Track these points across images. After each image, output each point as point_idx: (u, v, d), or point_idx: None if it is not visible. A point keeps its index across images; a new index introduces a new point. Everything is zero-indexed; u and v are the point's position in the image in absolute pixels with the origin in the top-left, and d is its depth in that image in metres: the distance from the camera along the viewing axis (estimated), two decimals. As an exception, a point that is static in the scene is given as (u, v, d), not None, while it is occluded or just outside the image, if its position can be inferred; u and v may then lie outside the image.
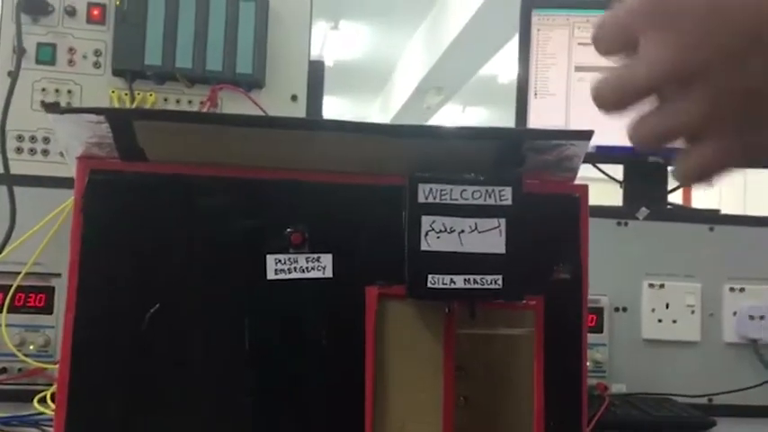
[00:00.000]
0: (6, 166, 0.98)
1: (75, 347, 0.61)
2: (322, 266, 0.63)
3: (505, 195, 0.61)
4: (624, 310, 1.15)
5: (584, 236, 0.65)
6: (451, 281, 0.60)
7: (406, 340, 0.64)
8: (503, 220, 0.61)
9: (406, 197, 0.61)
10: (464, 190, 0.61)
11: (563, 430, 0.64)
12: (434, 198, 0.61)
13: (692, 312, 1.15)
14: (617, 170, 1.31)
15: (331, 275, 0.63)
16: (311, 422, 0.62)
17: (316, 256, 0.63)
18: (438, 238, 0.60)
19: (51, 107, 0.57)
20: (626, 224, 1.16)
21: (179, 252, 0.62)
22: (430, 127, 0.61)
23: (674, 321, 1.15)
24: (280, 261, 0.62)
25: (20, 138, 1.07)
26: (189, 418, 0.61)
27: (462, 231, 0.60)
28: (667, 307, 1.15)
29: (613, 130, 1.21)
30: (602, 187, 1.25)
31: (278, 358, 0.62)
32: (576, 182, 0.66)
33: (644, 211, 1.16)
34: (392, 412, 0.63)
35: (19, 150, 1.07)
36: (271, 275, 0.62)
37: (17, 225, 0.98)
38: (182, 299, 0.62)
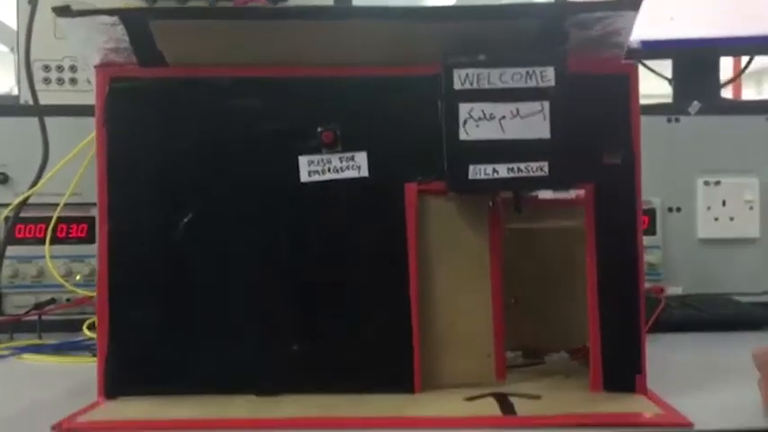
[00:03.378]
0: (35, 97, 0.97)
1: (111, 261, 0.59)
2: (357, 165, 0.60)
3: (548, 76, 0.57)
4: (678, 210, 1.10)
5: (635, 117, 0.61)
6: (494, 171, 0.57)
7: (449, 238, 0.61)
8: (546, 103, 0.57)
9: (441, 85, 0.57)
10: (503, 73, 0.57)
11: (620, 329, 0.61)
12: (471, 84, 0.57)
13: (751, 208, 1.09)
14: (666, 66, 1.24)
15: (367, 174, 0.60)
16: (356, 325, 0.60)
17: (349, 154, 0.60)
18: (477, 126, 0.57)
19: (62, 11, 0.55)
20: (677, 120, 1.10)
21: (208, 159, 0.60)
22: (463, 8, 0.57)
23: (732, 219, 1.10)
24: (312, 162, 0.60)
25: (46, 68, 1.05)
26: (231, 325, 0.60)
27: (503, 117, 0.57)
28: (724, 204, 1.09)
29: (659, 22, 1.16)
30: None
31: (317, 262, 0.60)
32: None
33: (696, 105, 1.09)
34: (440, 312, 0.61)
35: (47, 81, 1.05)
36: (304, 177, 0.60)
37: (52, 156, 0.97)
38: (214, 207, 0.60)
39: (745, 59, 1.28)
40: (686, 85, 1.18)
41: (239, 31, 0.58)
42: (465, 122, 0.57)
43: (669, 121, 1.10)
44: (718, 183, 1.09)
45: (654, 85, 1.24)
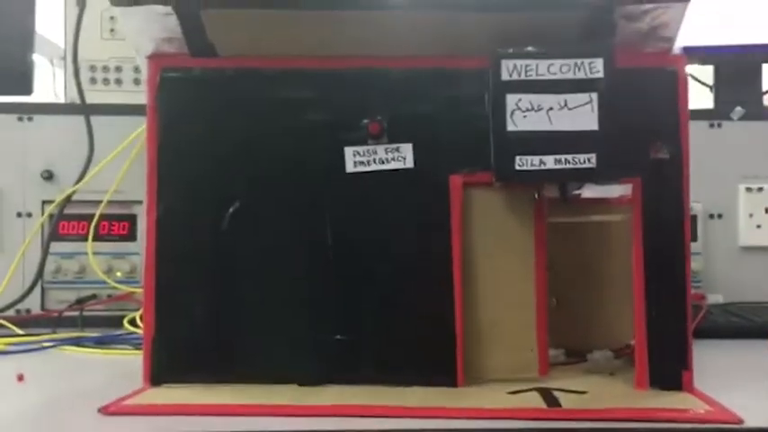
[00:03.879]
0: (82, 96, 0.99)
1: (159, 248, 0.60)
2: (402, 157, 0.60)
3: (596, 67, 0.56)
4: (719, 216, 1.09)
5: (684, 112, 0.60)
6: (541, 162, 0.57)
7: (494, 230, 0.61)
8: (594, 95, 0.57)
9: (489, 76, 0.58)
10: (551, 64, 0.57)
11: (666, 324, 0.60)
12: (519, 75, 0.57)
13: (794, 216, 1.08)
14: (706, 74, 1.23)
15: (412, 165, 0.60)
16: (399, 317, 0.60)
17: (395, 146, 0.60)
18: (525, 117, 0.57)
19: (119, 0, 0.56)
20: (719, 126, 1.09)
21: (255, 148, 0.61)
22: (510, -2, 0.57)
23: (775, 226, 1.08)
24: (358, 153, 0.60)
25: (92, 68, 1.08)
26: (275, 314, 0.60)
27: (551, 109, 0.57)
28: (767, 211, 1.08)
29: (701, 28, 1.15)
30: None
31: (361, 253, 0.60)
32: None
33: (739, 110, 1.08)
34: (483, 305, 0.61)
35: (93, 81, 1.08)
36: (350, 168, 0.60)
37: (96, 154, 0.98)
38: (261, 196, 0.60)
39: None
40: (728, 92, 1.17)
41: (288, 22, 0.58)
42: (512, 113, 0.57)
43: (711, 126, 1.09)
44: (760, 189, 1.08)
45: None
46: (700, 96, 1.24)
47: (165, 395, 0.58)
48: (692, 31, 1.12)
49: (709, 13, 1.15)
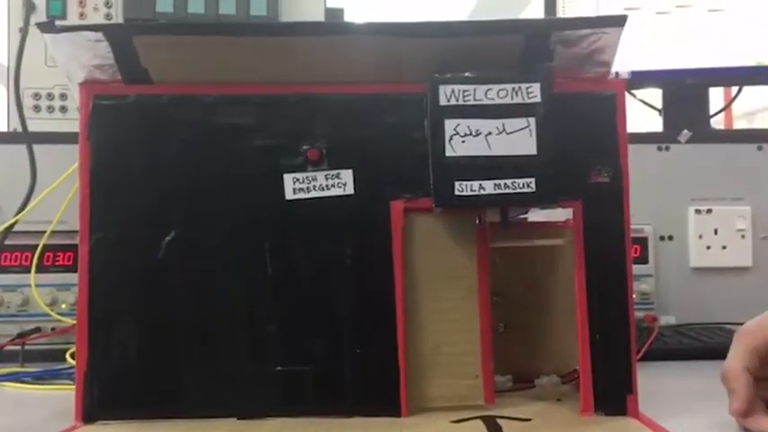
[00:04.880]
0: (24, 124, 0.97)
1: (92, 280, 0.58)
2: (342, 183, 0.59)
3: (533, 92, 0.56)
4: (670, 238, 1.10)
5: (623, 136, 0.60)
6: (481, 187, 0.56)
7: (436, 256, 0.60)
8: (532, 119, 0.56)
9: (426, 102, 0.57)
10: (489, 89, 0.56)
11: (610, 349, 0.60)
12: (457, 100, 0.56)
13: (743, 237, 1.09)
14: (655, 97, 1.25)
15: (352, 192, 0.59)
16: (340, 346, 0.59)
17: (335, 172, 0.59)
18: (463, 142, 0.56)
19: (46, 26, 0.55)
20: (667, 149, 1.10)
21: (192, 176, 0.59)
22: (449, 23, 0.57)
23: (724, 247, 1.09)
24: (298, 180, 0.59)
25: (36, 96, 1.06)
26: (213, 346, 0.59)
27: (489, 134, 0.56)
28: (716, 233, 1.09)
29: (649, 53, 1.16)
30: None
31: (302, 282, 0.59)
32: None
33: (686, 133, 1.10)
34: (426, 332, 0.60)
35: (37, 108, 1.05)
36: (289, 195, 0.59)
37: (39, 184, 0.96)
38: (198, 225, 0.59)
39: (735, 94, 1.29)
40: (676, 115, 1.19)
41: (224, 48, 0.58)
42: (451, 139, 0.56)
43: (660, 149, 1.10)
44: (709, 211, 1.09)
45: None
46: (650, 120, 1.26)
47: (98, 433, 0.56)
48: (642, 54, 1.14)
49: (658, 36, 1.16)
